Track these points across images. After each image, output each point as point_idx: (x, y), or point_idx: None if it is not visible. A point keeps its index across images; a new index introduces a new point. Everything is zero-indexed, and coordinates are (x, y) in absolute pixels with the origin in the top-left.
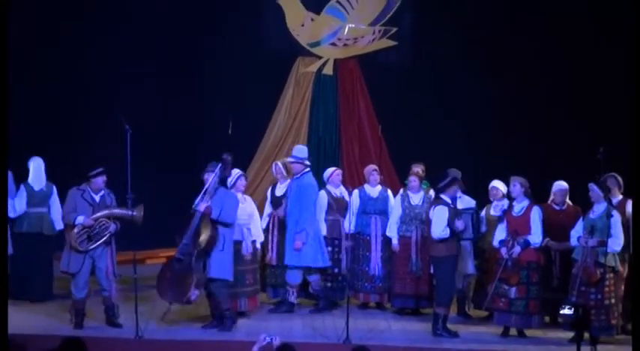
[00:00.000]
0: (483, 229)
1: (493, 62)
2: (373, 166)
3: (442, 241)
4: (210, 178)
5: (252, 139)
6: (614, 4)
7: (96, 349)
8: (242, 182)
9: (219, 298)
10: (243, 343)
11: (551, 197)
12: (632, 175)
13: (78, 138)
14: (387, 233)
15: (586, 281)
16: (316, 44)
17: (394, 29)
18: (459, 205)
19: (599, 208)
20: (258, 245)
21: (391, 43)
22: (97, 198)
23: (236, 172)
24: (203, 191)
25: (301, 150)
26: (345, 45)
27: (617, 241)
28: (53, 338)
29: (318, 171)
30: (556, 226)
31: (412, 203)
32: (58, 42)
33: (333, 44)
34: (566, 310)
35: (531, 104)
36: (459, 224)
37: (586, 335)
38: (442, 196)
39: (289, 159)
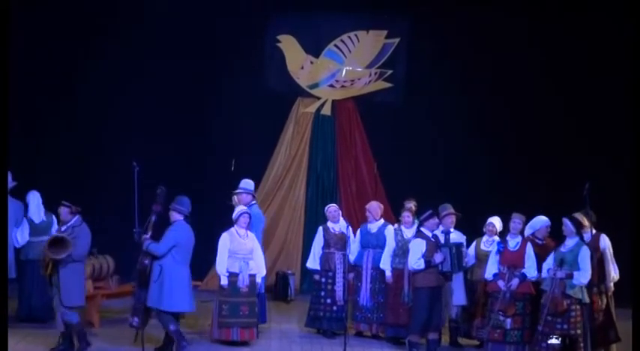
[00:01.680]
0: (472, 262)
1: (484, 103)
2: (381, 205)
3: (418, 272)
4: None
5: (253, 176)
6: (605, 39)
7: None
8: (245, 219)
9: (162, 323)
10: None
11: (528, 231)
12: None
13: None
14: (381, 265)
15: (553, 311)
16: (315, 86)
17: (389, 72)
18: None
19: (570, 242)
20: (258, 279)
21: (386, 84)
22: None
23: (241, 209)
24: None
25: (248, 183)
26: (342, 86)
27: (584, 274)
28: None
29: (317, 206)
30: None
31: (405, 237)
32: (61, 72)
33: (332, 86)
34: (554, 340)
35: (523, 142)
36: (437, 257)
37: None
38: (422, 229)
39: (237, 190)
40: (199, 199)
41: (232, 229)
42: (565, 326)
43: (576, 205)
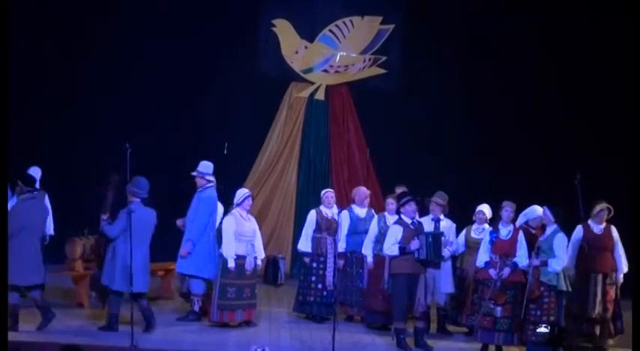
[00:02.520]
0: (463, 250)
1: (478, 90)
2: (368, 192)
3: (394, 258)
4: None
5: (246, 160)
6: (604, 27)
7: None
8: (248, 202)
9: (109, 302)
10: None
11: (522, 219)
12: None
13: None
14: (363, 251)
15: (528, 297)
16: (309, 71)
17: (383, 58)
18: (429, 227)
19: (548, 231)
20: (259, 261)
21: (380, 70)
22: None
23: (244, 192)
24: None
25: (206, 166)
26: (336, 72)
27: (558, 262)
28: (52, 345)
29: (308, 191)
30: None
31: (387, 224)
32: (55, 52)
33: (326, 71)
34: (543, 329)
35: (515, 131)
36: (413, 244)
37: None
38: (401, 215)
39: (193, 173)
40: (192, 183)
41: (235, 212)
42: (538, 312)
43: (568, 193)
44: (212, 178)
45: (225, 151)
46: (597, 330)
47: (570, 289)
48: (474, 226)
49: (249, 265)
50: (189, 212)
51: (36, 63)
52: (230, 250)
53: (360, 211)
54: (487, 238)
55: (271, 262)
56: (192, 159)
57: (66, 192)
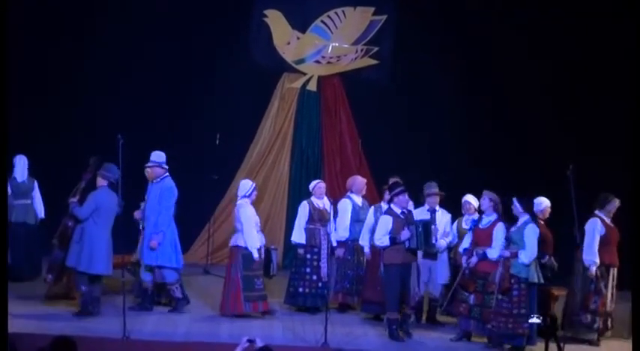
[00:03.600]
0: (455, 240)
1: (470, 80)
2: (365, 180)
3: (385, 248)
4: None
5: (238, 151)
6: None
7: (84, 348)
8: (255, 193)
9: (75, 282)
10: (224, 345)
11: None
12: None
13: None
14: (360, 242)
15: (498, 289)
16: (301, 61)
17: (376, 49)
18: (418, 216)
19: (520, 221)
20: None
21: (373, 61)
22: None
23: (251, 183)
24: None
25: (159, 155)
26: (328, 63)
27: (527, 254)
28: (43, 337)
29: (300, 182)
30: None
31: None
32: (48, 43)
33: (318, 62)
34: (535, 319)
35: (508, 122)
36: (403, 234)
37: None
38: (392, 205)
39: (148, 164)
40: (185, 174)
41: (247, 203)
42: (509, 305)
43: (561, 185)
44: (166, 167)
45: (217, 142)
46: (602, 323)
47: (542, 281)
48: (465, 217)
49: (262, 255)
50: (148, 204)
51: (28, 55)
52: (255, 241)
53: (358, 200)
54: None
55: (264, 253)
56: (184, 150)
57: (60, 183)
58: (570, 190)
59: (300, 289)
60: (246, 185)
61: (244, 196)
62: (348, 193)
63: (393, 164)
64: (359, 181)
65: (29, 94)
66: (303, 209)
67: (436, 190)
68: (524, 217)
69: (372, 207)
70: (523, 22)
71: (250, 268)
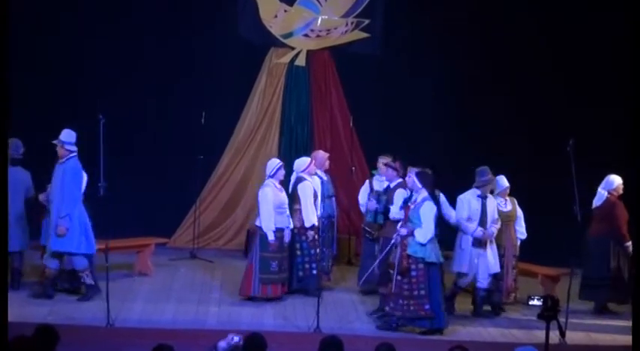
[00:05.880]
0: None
1: (465, 55)
2: (327, 154)
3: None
4: None
5: (224, 129)
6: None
7: (67, 336)
8: (282, 172)
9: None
10: (215, 332)
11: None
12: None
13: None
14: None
15: (399, 270)
16: (289, 35)
17: (367, 21)
18: (469, 200)
19: (419, 198)
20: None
21: (364, 35)
22: None
23: (277, 162)
24: None
25: (69, 134)
26: (317, 36)
27: (422, 232)
28: (26, 325)
29: (290, 161)
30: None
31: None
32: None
33: (306, 36)
34: (535, 301)
35: (503, 96)
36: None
37: None
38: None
39: (55, 141)
40: (169, 152)
41: (270, 183)
42: (407, 286)
43: (561, 162)
44: (74, 148)
45: (203, 121)
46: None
47: (442, 260)
48: (499, 200)
49: (287, 237)
50: (53, 186)
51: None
52: (270, 223)
53: (323, 175)
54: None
55: (252, 236)
56: (167, 129)
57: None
58: (571, 166)
59: (315, 272)
60: (271, 164)
61: (269, 176)
62: (316, 170)
63: (385, 141)
64: (320, 155)
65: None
66: (310, 191)
67: (489, 176)
68: (422, 194)
69: (402, 190)
70: None
71: (266, 249)
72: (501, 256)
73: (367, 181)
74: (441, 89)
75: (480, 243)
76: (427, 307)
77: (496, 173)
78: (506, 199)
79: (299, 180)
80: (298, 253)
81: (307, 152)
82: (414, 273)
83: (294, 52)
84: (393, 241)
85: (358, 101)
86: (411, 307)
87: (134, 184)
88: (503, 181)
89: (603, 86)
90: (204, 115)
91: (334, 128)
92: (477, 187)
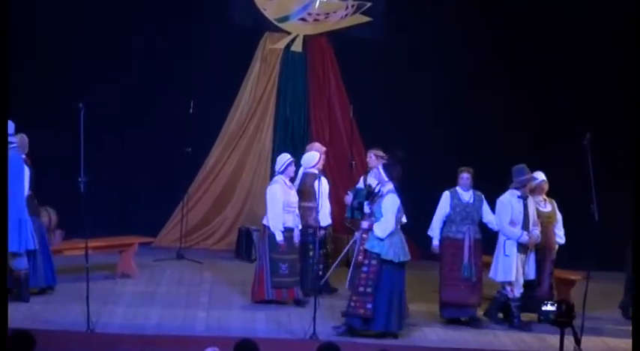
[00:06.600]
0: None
1: (468, 39)
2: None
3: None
4: None
5: (214, 120)
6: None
7: (45, 342)
8: (292, 168)
9: None
10: (200, 339)
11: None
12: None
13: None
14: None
15: (354, 265)
16: (285, 19)
17: (368, 4)
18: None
19: (384, 191)
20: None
21: (365, 18)
22: None
23: (287, 157)
24: None
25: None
26: (315, 20)
27: (381, 226)
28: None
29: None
30: None
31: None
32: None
33: (303, 19)
34: (549, 307)
35: (511, 83)
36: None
37: None
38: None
39: None
40: (155, 144)
41: (279, 180)
42: (357, 282)
43: (576, 156)
44: (14, 139)
45: (191, 110)
46: None
47: (402, 260)
48: (538, 199)
49: (296, 237)
50: None
51: None
52: (278, 222)
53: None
54: None
55: (244, 235)
56: (154, 118)
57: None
58: (588, 160)
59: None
60: (281, 160)
61: (278, 172)
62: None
63: (387, 133)
64: (316, 148)
65: None
66: (325, 186)
67: (528, 175)
68: (388, 186)
69: (448, 192)
70: None
71: (276, 250)
72: (538, 262)
73: (362, 177)
74: (445, 76)
75: (524, 248)
76: (369, 306)
77: (509, 167)
78: (544, 199)
79: (310, 176)
80: (311, 253)
81: (304, 144)
82: (365, 269)
83: (290, 38)
84: (354, 238)
85: (359, 90)
86: (352, 304)
87: (117, 179)
88: (540, 175)
89: (616, 78)
90: (192, 104)
91: (333, 119)
92: (516, 188)
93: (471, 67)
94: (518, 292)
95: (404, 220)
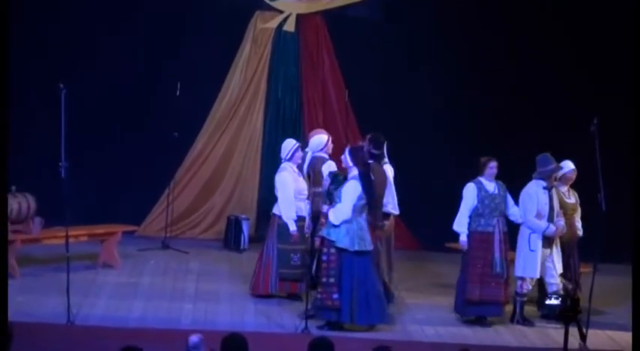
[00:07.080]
0: None
1: (467, 19)
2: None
3: None
4: None
5: (202, 102)
6: None
7: (22, 334)
8: (300, 154)
9: None
10: (185, 332)
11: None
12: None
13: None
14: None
15: (318, 256)
16: None
17: None
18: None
19: (349, 176)
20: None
21: None
22: None
23: (293, 143)
24: None
25: None
26: None
27: (335, 212)
28: None
29: (276, 138)
30: None
31: None
32: None
33: None
34: (553, 300)
35: (519, 72)
36: None
37: None
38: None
39: None
40: (138, 129)
41: (287, 167)
42: (320, 272)
43: (582, 143)
44: None
45: (178, 92)
46: None
47: (358, 248)
48: (562, 190)
49: (308, 226)
50: None
51: None
52: (291, 211)
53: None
54: None
55: (233, 224)
56: (139, 102)
57: None
58: (595, 147)
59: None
60: (287, 146)
61: (284, 159)
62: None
63: (384, 117)
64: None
65: None
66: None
67: (554, 165)
68: (353, 172)
69: (472, 184)
70: None
71: (287, 241)
72: (567, 257)
73: None
74: (445, 57)
75: (549, 242)
76: (335, 296)
77: (508, 155)
78: (569, 189)
79: (319, 160)
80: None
81: (296, 129)
82: (324, 257)
83: (282, 16)
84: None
85: (354, 72)
86: (319, 295)
87: (99, 164)
88: (569, 164)
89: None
90: (179, 86)
91: (327, 101)
92: (541, 178)
93: (470, 45)
94: (527, 288)
95: (394, 211)
